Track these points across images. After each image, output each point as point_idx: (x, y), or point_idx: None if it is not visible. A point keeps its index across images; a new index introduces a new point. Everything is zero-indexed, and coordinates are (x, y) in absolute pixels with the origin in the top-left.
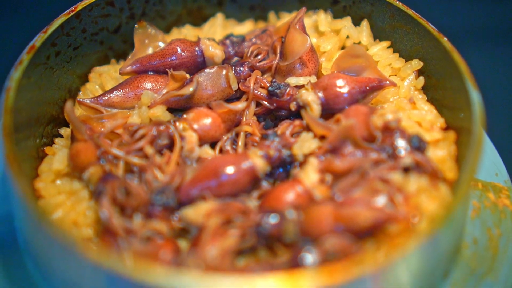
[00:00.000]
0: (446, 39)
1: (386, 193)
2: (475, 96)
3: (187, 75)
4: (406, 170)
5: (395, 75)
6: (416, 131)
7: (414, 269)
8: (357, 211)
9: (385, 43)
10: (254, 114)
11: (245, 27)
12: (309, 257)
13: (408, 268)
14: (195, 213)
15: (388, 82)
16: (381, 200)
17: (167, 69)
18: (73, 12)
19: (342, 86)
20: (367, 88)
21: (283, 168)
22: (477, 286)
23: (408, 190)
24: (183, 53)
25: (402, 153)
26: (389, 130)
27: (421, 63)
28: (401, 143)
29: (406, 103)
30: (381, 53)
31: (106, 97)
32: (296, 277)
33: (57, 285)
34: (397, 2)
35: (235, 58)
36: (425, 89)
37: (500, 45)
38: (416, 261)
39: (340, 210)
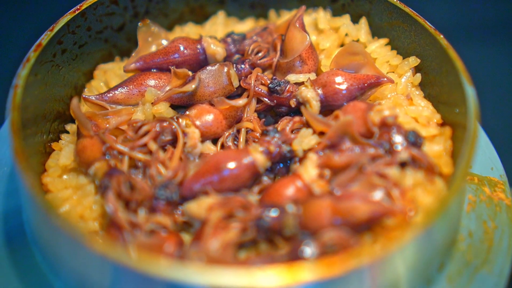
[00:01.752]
0: (442, 36)
1: (383, 188)
2: (470, 92)
3: (190, 73)
4: (403, 165)
5: (393, 72)
6: (412, 126)
7: (410, 262)
8: (354, 205)
9: (383, 41)
10: (255, 111)
11: (246, 25)
12: (308, 250)
13: (404, 260)
14: (197, 207)
15: (385, 79)
16: (378, 194)
17: (170, 67)
18: (79, 11)
19: (341, 83)
20: (365, 85)
21: (283, 164)
22: (472, 278)
23: (404, 185)
24: (185, 51)
25: (399, 148)
26: (386, 126)
27: (418, 60)
28: (398, 139)
29: (403, 100)
30: (379, 50)
31: (111, 94)
32: (295, 269)
33: (65, 276)
34: (395, 0)
35: (236, 56)
36: (422, 86)
37: (495, 42)
38: (412, 254)
39: (338, 204)
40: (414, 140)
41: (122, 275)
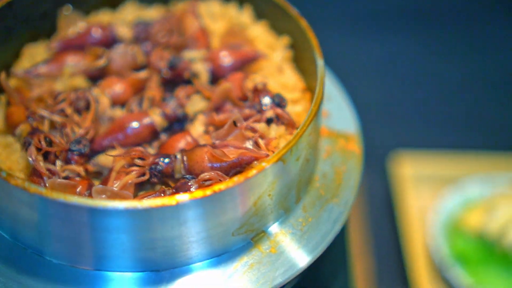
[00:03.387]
0: (304, 20)
1: (252, 138)
2: (320, 64)
3: (103, 51)
4: (269, 121)
5: (269, 49)
6: (279, 91)
7: (268, 190)
8: (228, 151)
9: (263, 23)
10: (157, 82)
11: (154, 11)
12: (191, 186)
13: (264, 188)
14: (105, 158)
15: (261, 54)
16: (248, 143)
17: (86, 47)
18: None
19: (225, 58)
20: (245, 59)
21: (178, 124)
22: (323, 207)
23: (269, 136)
24: (99, 33)
25: (266, 108)
26: (257, 91)
27: (289, 39)
28: (265, 101)
29: (275, 71)
30: (258, 30)
31: (35, 69)
32: (177, 196)
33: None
34: None
35: (142, 37)
36: (292, 60)
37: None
38: (268, 182)
39: (215, 151)
40: (279, 102)
41: (39, 203)
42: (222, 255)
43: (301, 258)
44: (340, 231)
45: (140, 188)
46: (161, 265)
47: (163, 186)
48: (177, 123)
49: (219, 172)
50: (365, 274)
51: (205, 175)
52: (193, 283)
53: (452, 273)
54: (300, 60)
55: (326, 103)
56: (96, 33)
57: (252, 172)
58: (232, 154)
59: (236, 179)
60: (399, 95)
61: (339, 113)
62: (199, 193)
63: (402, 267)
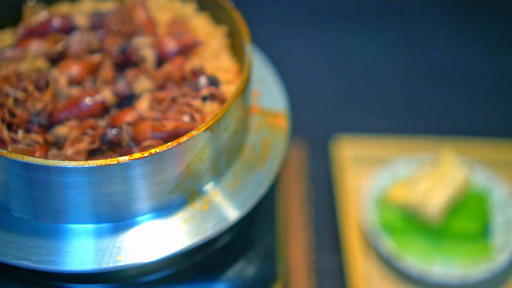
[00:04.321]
0: (237, 12)
1: (189, 112)
2: (247, 49)
3: (62, 37)
4: (204, 98)
5: (208, 37)
6: (214, 73)
7: (200, 156)
8: (167, 123)
9: (205, 14)
10: (110, 65)
11: (109, 4)
12: (134, 152)
13: (195, 153)
14: (62, 129)
15: (201, 41)
16: (185, 116)
17: (48, 33)
18: None
19: (169, 44)
20: (187, 46)
21: (127, 101)
22: (250, 172)
23: (204, 111)
24: (60, 22)
25: (202, 87)
26: (195, 72)
27: (226, 28)
28: (201, 80)
29: (212, 56)
30: (200, 20)
31: (2, 53)
32: (119, 158)
33: None
34: None
35: (98, 25)
36: (229, 47)
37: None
38: (199, 148)
39: (156, 123)
40: (213, 82)
41: (3, 164)
42: (161, 210)
43: (230, 214)
44: (267, 195)
45: (93, 157)
46: (111, 217)
47: (112, 153)
48: (126, 100)
49: (159, 140)
50: (304, 245)
51: (146, 142)
52: (137, 234)
53: (380, 240)
54: (236, 47)
55: (259, 85)
56: (57, 21)
57: (184, 138)
58: (170, 126)
59: (170, 144)
60: (342, 86)
61: (270, 94)
62: (137, 155)
63: (337, 238)
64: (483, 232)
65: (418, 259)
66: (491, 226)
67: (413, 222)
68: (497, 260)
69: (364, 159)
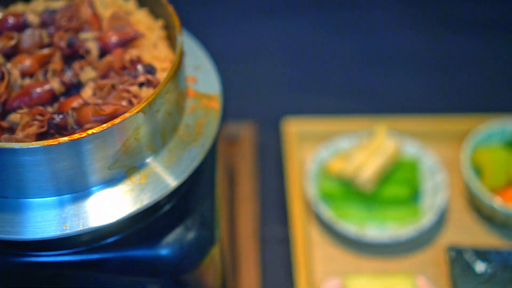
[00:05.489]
0: (171, 6)
1: (127, 98)
2: (179, 39)
3: (15, 34)
4: (141, 84)
5: (148, 30)
6: (151, 62)
7: (134, 135)
8: (107, 107)
9: (145, 9)
10: (59, 57)
11: (61, 3)
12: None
13: (130, 133)
14: (15, 116)
15: (141, 34)
16: (123, 101)
17: (2, 31)
18: None
19: (111, 37)
20: (127, 38)
21: (74, 89)
22: (184, 149)
23: (141, 96)
24: (13, 20)
25: (139, 74)
26: (133, 62)
27: (164, 22)
28: (139, 69)
29: (151, 47)
30: (141, 15)
31: None
32: (60, 138)
33: None
34: None
35: (48, 22)
36: (168, 39)
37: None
38: (133, 128)
39: (97, 108)
40: (149, 70)
41: None
42: (104, 183)
43: (165, 185)
44: (204, 169)
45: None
46: (65, 190)
47: (59, 135)
48: (74, 89)
49: (99, 123)
50: (252, 216)
51: (88, 125)
52: (88, 204)
53: (321, 208)
54: (172, 38)
55: (195, 72)
56: (11, 20)
57: (117, 120)
58: (109, 110)
59: (105, 125)
60: (294, 70)
61: (205, 79)
62: (76, 136)
63: (284, 208)
64: (413, 197)
65: (355, 223)
66: (420, 192)
67: (349, 190)
68: (424, 221)
69: (310, 136)
